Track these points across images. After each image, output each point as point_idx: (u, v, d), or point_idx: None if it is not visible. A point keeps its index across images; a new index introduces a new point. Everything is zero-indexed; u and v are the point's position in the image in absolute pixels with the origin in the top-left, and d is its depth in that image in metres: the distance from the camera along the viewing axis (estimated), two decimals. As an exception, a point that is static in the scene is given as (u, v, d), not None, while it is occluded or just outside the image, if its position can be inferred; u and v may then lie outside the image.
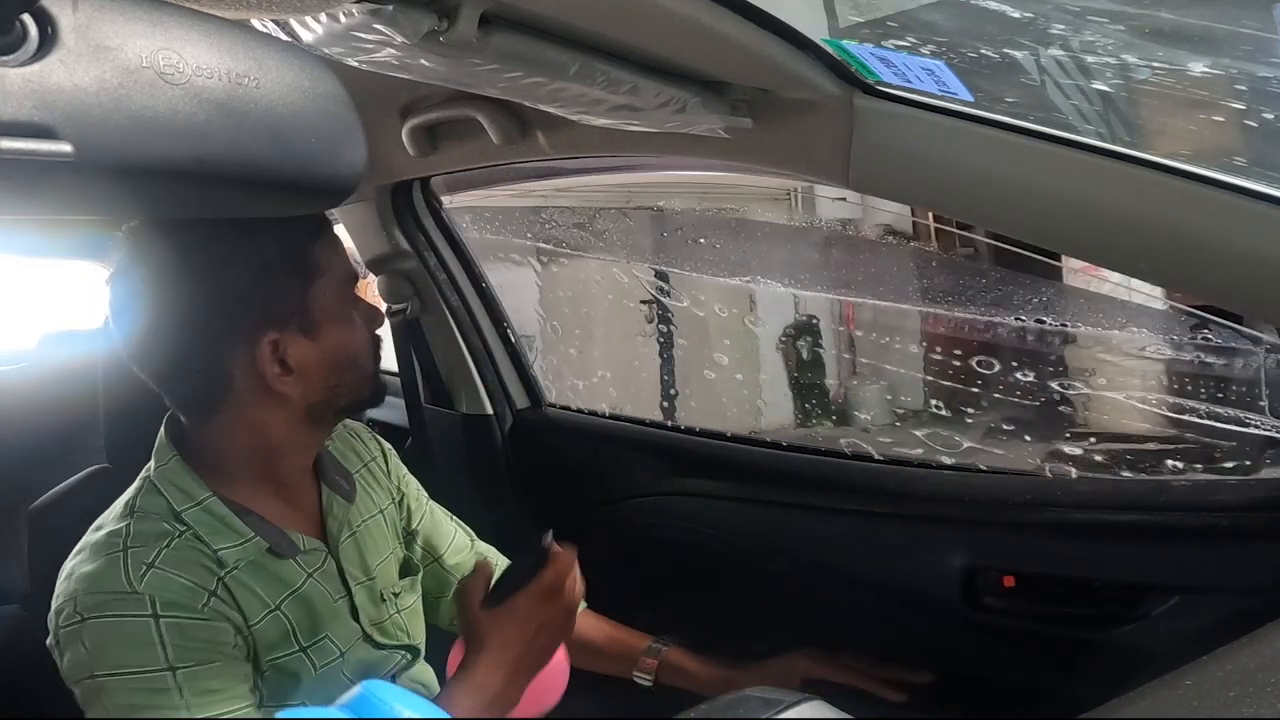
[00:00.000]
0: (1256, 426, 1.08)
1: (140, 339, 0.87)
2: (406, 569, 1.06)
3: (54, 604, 0.81)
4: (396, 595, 1.02)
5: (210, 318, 0.84)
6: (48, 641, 0.82)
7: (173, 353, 0.86)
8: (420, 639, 1.06)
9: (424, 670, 1.05)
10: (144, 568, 0.80)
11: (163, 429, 0.92)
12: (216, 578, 0.84)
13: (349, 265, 0.94)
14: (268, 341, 0.85)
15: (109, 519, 0.87)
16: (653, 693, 1.15)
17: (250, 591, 0.86)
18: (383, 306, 1.50)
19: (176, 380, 0.88)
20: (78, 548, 0.85)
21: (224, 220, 0.81)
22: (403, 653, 1.01)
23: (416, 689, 0.98)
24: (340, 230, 1.39)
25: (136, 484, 0.89)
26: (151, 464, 0.90)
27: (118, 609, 0.78)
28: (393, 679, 0.97)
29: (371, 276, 1.58)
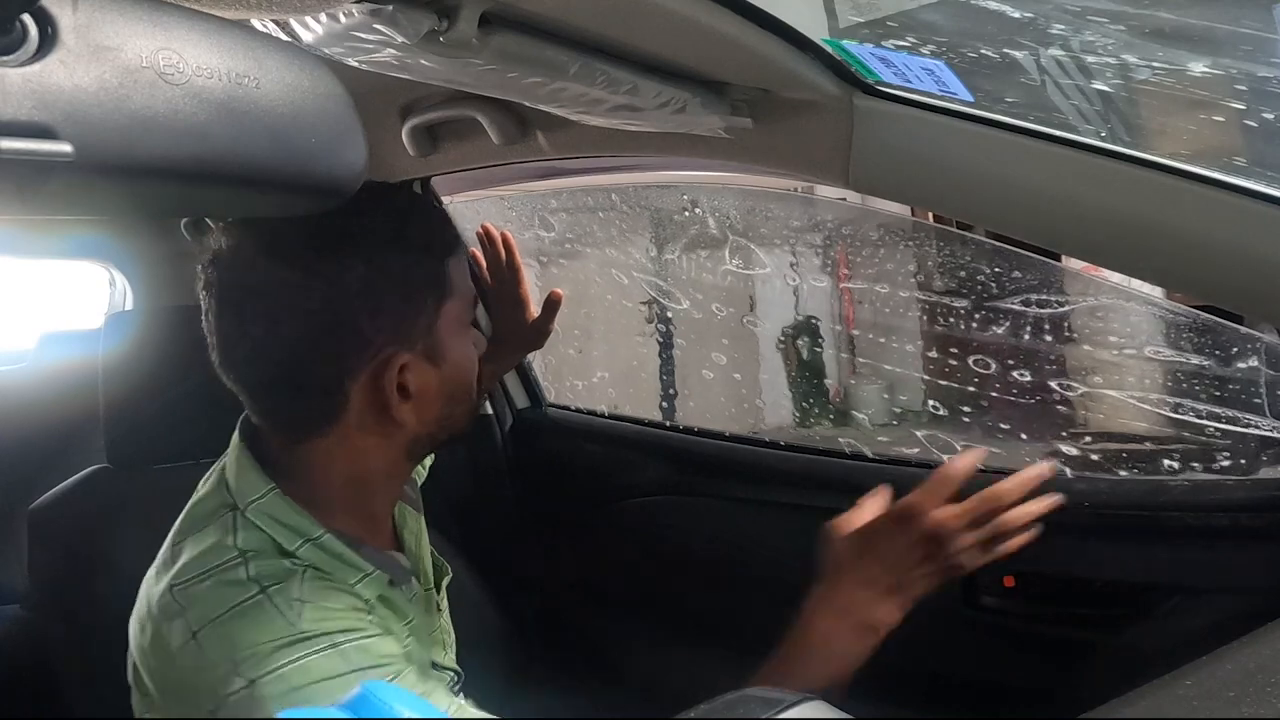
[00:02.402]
0: (1255, 427, 1.08)
1: (239, 344, 0.77)
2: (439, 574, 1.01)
3: (188, 678, 0.70)
4: (440, 609, 0.96)
5: (335, 331, 0.75)
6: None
7: (281, 364, 0.76)
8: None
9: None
10: (297, 604, 0.71)
11: (245, 452, 0.81)
12: (364, 608, 0.76)
13: (472, 285, 0.86)
14: (398, 366, 0.76)
15: (202, 564, 0.74)
16: (653, 692, 1.15)
17: (386, 626, 0.78)
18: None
19: (279, 395, 0.79)
20: (172, 609, 0.72)
21: (356, 221, 0.74)
22: (451, 674, 0.93)
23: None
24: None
25: (217, 519, 0.78)
26: (234, 489, 0.79)
27: (290, 656, 0.68)
28: None
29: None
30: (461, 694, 0.91)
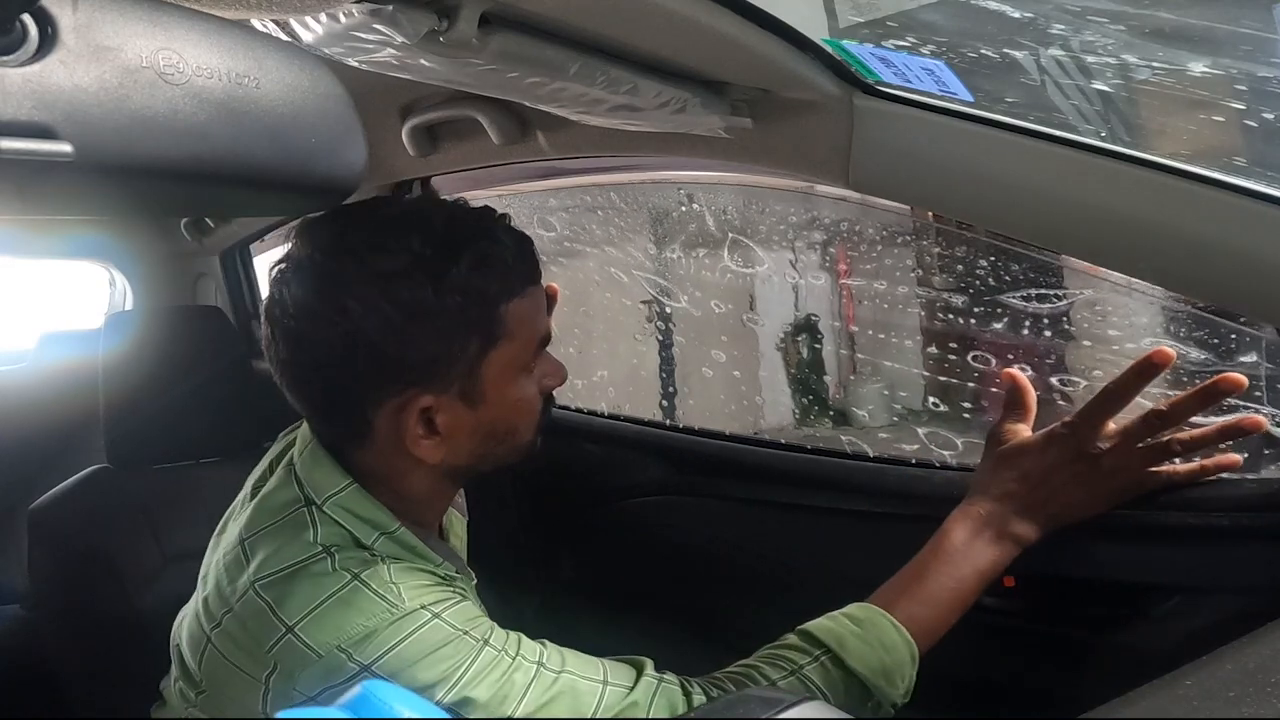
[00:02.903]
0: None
1: (290, 360, 0.78)
2: None
3: (288, 671, 0.71)
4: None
5: (356, 363, 0.75)
6: None
7: (322, 384, 0.78)
8: None
9: None
10: (391, 585, 0.73)
11: (319, 446, 0.81)
12: (444, 582, 0.79)
13: (543, 326, 0.84)
14: (419, 407, 0.77)
15: (285, 560, 0.75)
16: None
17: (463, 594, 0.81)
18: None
19: (321, 411, 0.81)
20: (258, 608, 0.73)
21: (409, 257, 0.74)
22: None
23: None
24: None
25: (293, 514, 0.78)
26: (309, 485, 0.79)
27: (402, 633, 0.71)
28: None
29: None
30: None
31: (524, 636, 0.78)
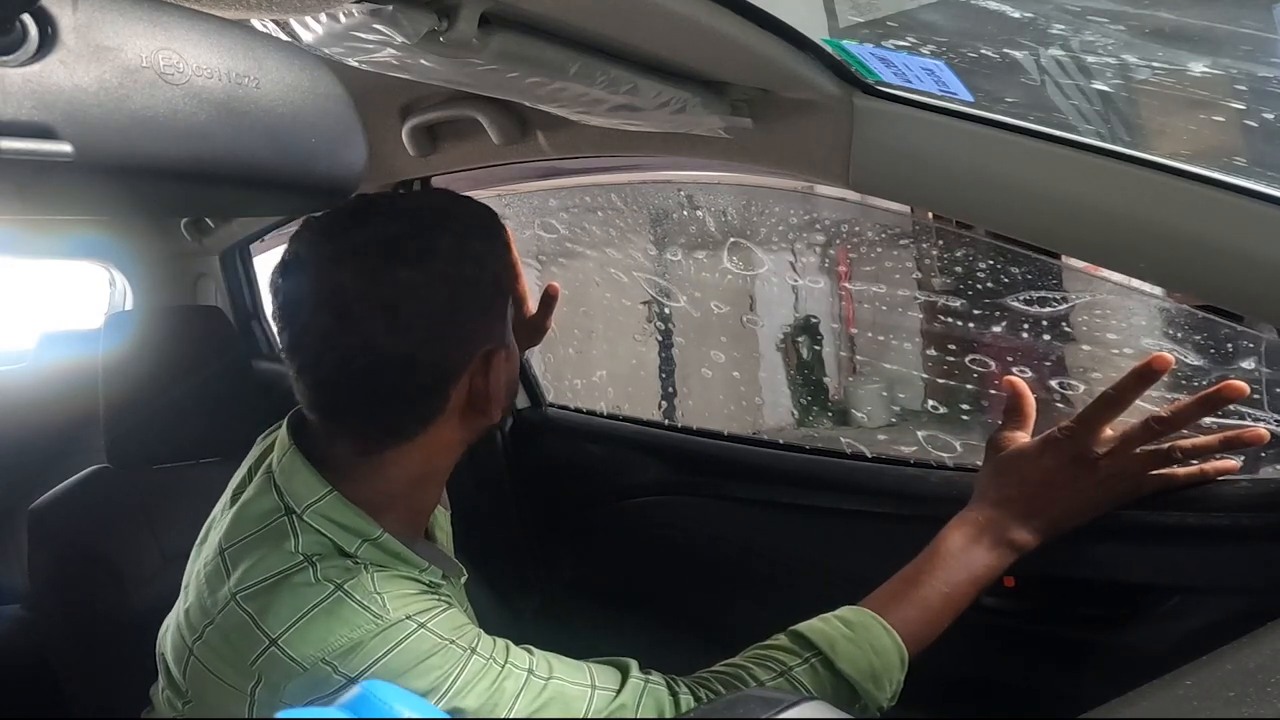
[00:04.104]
0: (1254, 422, 1.08)
1: (332, 362, 0.76)
2: None
3: (273, 683, 0.70)
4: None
5: (441, 337, 0.76)
6: None
7: (385, 374, 0.75)
8: None
9: None
10: (375, 595, 0.72)
11: (298, 454, 0.79)
12: (430, 589, 0.78)
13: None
14: (495, 360, 0.79)
15: (266, 571, 0.74)
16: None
17: (449, 601, 0.80)
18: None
19: (379, 405, 0.78)
20: (240, 620, 0.72)
21: (443, 229, 0.77)
22: None
23: None
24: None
25: (273, 523, 0.77)
26: (288, 493, 0.78)
27: (387, 644, 0.70)
28: None
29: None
30: None
31: (511, 643, 0.77)
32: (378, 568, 0.76)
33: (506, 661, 0.74)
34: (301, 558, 0.74)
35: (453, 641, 0.72)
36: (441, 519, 0.99)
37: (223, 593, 0.75)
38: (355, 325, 0.74)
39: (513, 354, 0.84)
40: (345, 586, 0.72)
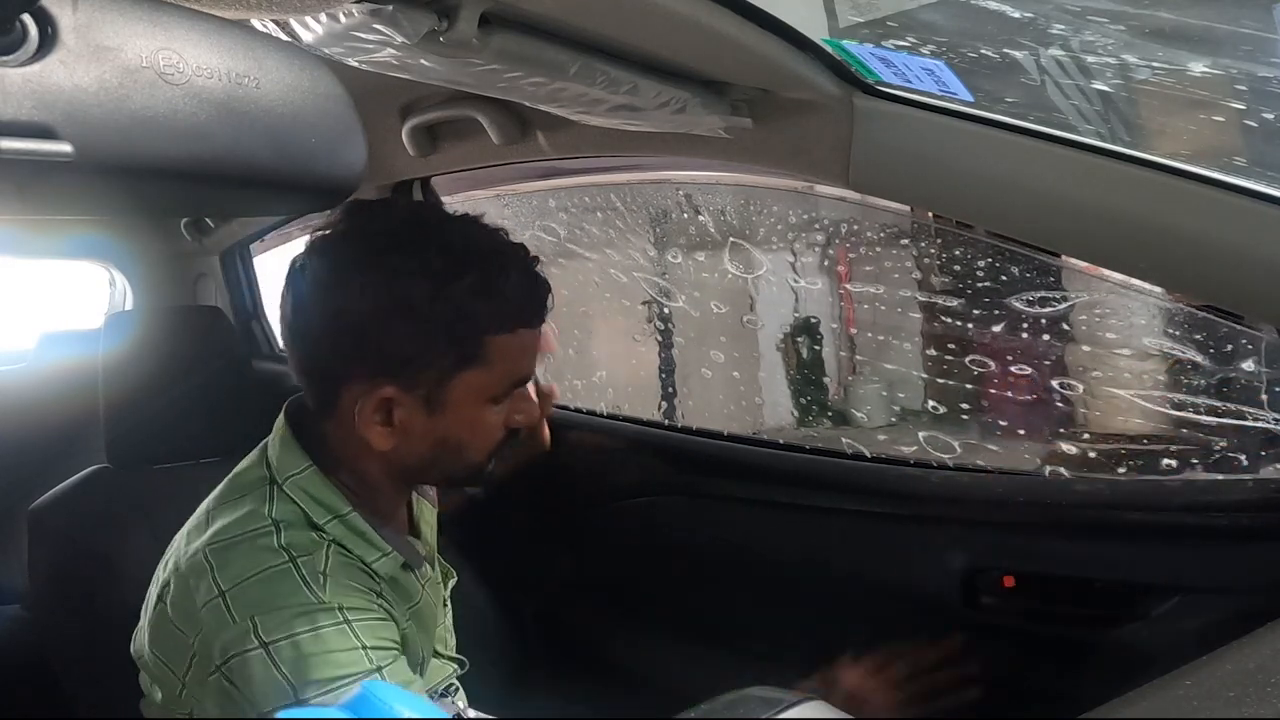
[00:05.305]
0: (1255, 420, 1.08)
1: (290, 320, 0.83)
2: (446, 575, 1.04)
3: (208, 633, 0.75)
4: (446, 606, 1.01)
5: (349, 340, 0.79)
6: (210, 674, 0.74)
7: (309, 347, 0.83)
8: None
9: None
10: (321, 577, 0.76)
11: (288, 431, 0.86)
12: (376, 589, 0.82)
13: (523, 368, 0.86)
14: (380, 396, 0.80)
15: (236, 529, 0.79)
16: (653, 693, 1.15)
17: (392, 605, 0.83)
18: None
19: (303, 372, 0.84)
20: (201, 568, 0.77)
21: (425, 263, 0.78)
22: (454, 664, 0.99)
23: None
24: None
25: (256, 489, 0.83)
26: (275, 465, 0.84)
27: (308, 625, 0.73)
28: (445, 692, 0.95)
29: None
30: (459, 687, 0.96)
31: (424, 685, 0.81)
32: (340, 548, 0.80)
33: None
34: (270, 521, 0.79)
35: (366, 649, 0.75)
36: (428, 513, 1.01)
37: (196, 545, 0.80)
38: (294, 290, 0.82)
39: (454, 420, 0.83)
40: (299, 560, 0.77)
